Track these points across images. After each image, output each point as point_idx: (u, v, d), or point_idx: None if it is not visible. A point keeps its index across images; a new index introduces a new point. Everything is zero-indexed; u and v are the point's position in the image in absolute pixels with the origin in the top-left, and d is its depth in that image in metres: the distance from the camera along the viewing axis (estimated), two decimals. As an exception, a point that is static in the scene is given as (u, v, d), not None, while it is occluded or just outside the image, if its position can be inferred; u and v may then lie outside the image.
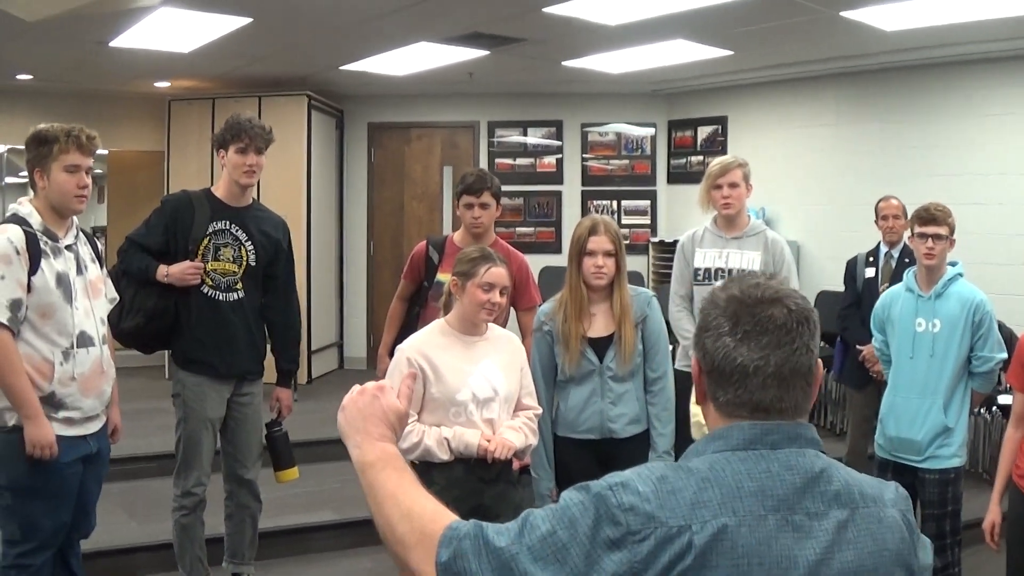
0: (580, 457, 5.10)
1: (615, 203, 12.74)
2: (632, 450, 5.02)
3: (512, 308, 6.03)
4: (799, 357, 1.97)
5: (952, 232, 5.60)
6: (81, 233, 4.84)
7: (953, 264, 5.69)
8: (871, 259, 7.68)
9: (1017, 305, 8.54)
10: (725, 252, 6.13)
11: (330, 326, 12.74)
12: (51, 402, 4.54)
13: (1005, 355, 5.65)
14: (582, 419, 5.13)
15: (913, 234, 5.67)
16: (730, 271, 6.08)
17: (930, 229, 5.55)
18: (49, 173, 4.57)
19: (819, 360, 2.03)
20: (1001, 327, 8.34)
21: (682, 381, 5.59)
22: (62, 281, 4.56)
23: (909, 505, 2.06)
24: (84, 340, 4.63)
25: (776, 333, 1.96)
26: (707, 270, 6.16)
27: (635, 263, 11.96)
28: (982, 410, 8.24)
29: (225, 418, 5.75)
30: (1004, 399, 8.10)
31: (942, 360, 5.55)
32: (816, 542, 1.88)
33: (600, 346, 5.10)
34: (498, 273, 4.63)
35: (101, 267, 4.95)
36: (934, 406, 5.54)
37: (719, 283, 2.09)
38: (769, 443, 1.94)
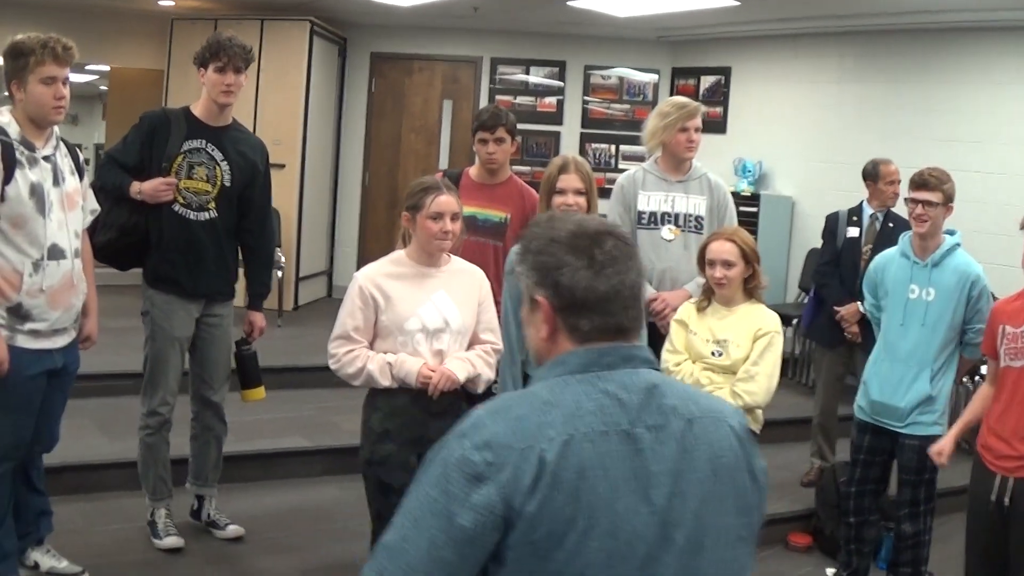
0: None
1: (613, 147, 12.66)
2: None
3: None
4: (639, 279, 2.17)
5: (949, 199, 5.50)
6: (62, 144, 4.79)
7: (951, 233, 5.62)
8: (854, 218, 7.53)
9: (1007, 275, 8.48)
10: (671, 196, 5.99)
11: (320, 254, 12.70)
12: (18, 313, 4.53)
13: None
14: None
15: (907, 199, 5.60)
16: (676, 215, 5.95)
17: (921, 195, 5.48)
18: (26, 85, 4.52)
19: None
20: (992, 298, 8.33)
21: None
22: (36, 192, 4.52)
23: (746, 420, 2.27)
24: (55, 253, 4.60)
25: (622, 261, 2.13)
26: (652, 214, 6.00)
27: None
28: (964, 379, 8.21)
29: (193, 338, 5.74)
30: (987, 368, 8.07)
31: (933, 329, 5.52)
32: (656, 452, 2.02)
33: None
34: (445, 201, 4.60)
35: (81, 179, 4.90)
36: (921, 375, 5.52)
37: (541, 225, 2.23)
38: (605, 364, 2.09)
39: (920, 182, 5.51)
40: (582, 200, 5.01)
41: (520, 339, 5.11)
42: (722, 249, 5.11)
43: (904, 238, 5.75)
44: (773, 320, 5.15)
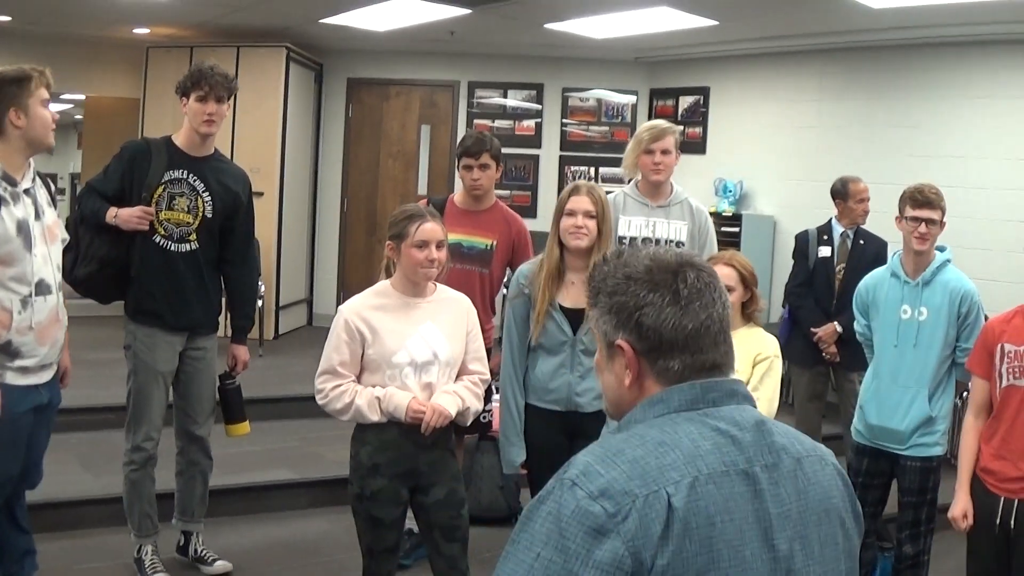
0: (546, 426, 5.01)
1: (593, 170, 12.60)
2: (598, 425, 4.82)
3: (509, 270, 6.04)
4: (726, 310, 2.01)
5: (944, 215, 5.44)
6: (36, 176, 4.73)
7: (942, 250, 5.55)
8: (824, 237, 7.52)
9: (992, 290, 8.46)
10: (652, 221, 5.92)
11: (299, 282, 12.64)
12: (7, 351, 4.44)
13: None
14: (549, 388, 5.01)
15: (903, 217, 5.48)
16: (657, 240, 5.86)
17: (924, 213, 5.37)
18: (28, 110, 4.48)
19: None
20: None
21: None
22: (22, 228, 4.45)
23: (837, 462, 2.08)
24: (42, 288, 4.53)
25: (707, 292, 1.98)
26: (633, 239, 5.91)
27: (609, 231, 11.91)
28: (957, 398, 8.16)
29: (177, 372, 5.64)
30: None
31: (927, 349, 5.44)
32: (774, 494, 1.87)
33: (576, 317, 4.93)
34: (430, 229, 4.51)
35: (55, 209, 4.84)
36: (919, 396, 5.45)
37: (611, 263, 2.07)
38: (711, 400, 1.94)
39: (923, 200, 5.39)
40: (591, 223, 4.91)
41: (521, 360, 5.07)
42: (721, 274, 4.99)
43: (894, 257, 5.68)
44: (772, 344, 5.07)
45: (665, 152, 5.85)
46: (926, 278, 5.46)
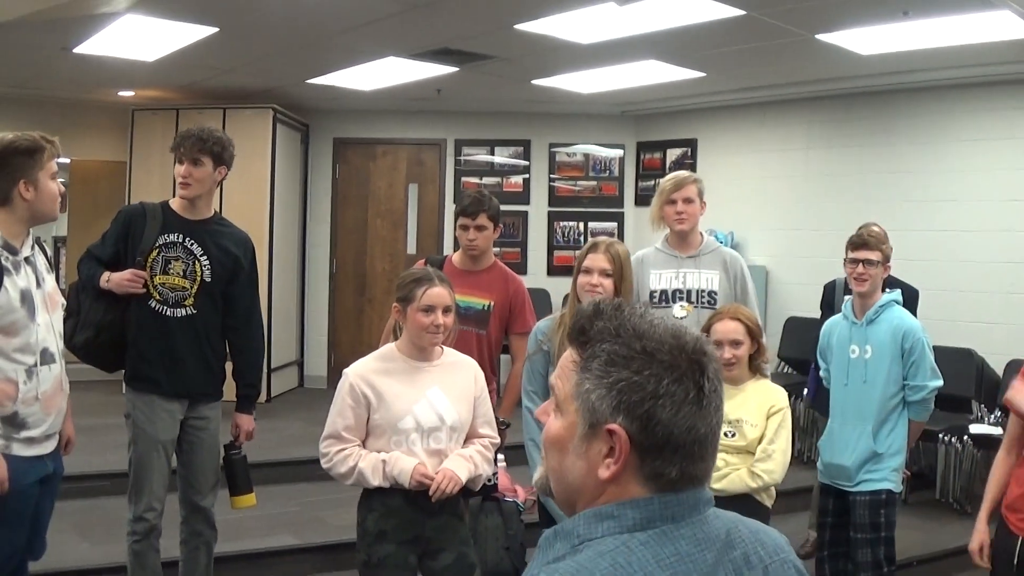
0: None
1: (582, 224, 12.63)
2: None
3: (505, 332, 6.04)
4: (722, 415, 1.73)
5: (886, 259, 5.66)
6: (35, 243, 4.67)
7: (890, 291, 5.75)
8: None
9: (990, 333, 8.46)
10: (682, 272, 5.91)
11: (290, 344, 12.55)
12: (13, 422, 4.36)
13: (940, 383, 5.65)
14: None
15: (845, 260, 5.72)
16: (688, 292, 5.88)
17: (860, 254, 5.61)
18: (37, 182, 4.43)
19: None
20: (971, 354, 8.25)
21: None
22: (26, 298, 4.38)
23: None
24: (47, 357, 4.46)
25: (720, 391, 1.70)
26: (663, 292, 5.91)
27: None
28: (952, 439, 8.11)
29: (180, 441, 5.53)
30: (976, 428, 8.00)
31: (872, 386, 5.59)
32: None
33: None
34: (437, 293, 4.48)
35: (53, 275, 4.79)
36: (864, 432, 5.58)
37: (611, 319, 1.72)
38: (670, 517, 1.65)
39: (860, 242, 5.65)
40: (607, 282, 4.88)
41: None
42: (728, 328, 5.04)
43: (847, 302, 5.85)
44: (783, 396, 5.09)
45: (687, 201, 5.88)
46: (870, 317, 5.65)
